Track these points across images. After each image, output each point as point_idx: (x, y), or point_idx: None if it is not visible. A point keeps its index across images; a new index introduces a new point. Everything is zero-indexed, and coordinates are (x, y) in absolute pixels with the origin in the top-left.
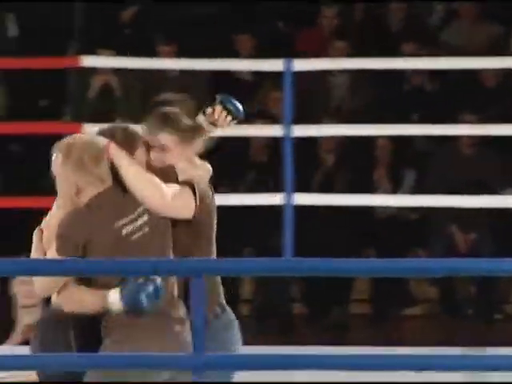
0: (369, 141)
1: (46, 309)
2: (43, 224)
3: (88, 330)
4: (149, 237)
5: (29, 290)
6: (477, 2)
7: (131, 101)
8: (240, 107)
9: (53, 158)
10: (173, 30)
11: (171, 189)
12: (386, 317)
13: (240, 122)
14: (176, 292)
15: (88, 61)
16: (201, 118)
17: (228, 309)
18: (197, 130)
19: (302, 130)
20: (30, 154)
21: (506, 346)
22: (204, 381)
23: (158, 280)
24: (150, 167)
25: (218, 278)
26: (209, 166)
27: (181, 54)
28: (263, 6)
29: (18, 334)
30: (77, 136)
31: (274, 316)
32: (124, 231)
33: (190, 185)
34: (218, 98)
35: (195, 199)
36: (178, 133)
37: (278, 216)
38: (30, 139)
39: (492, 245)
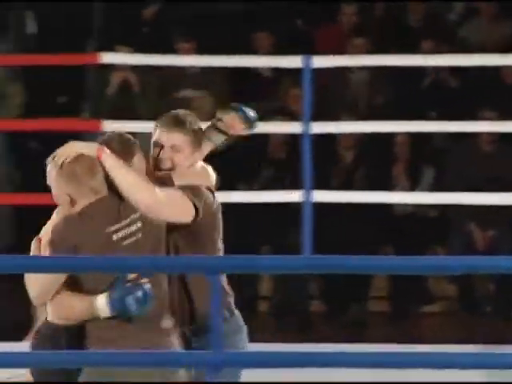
0: (387, 137)
1: (43, 321)
2: (42, 233)
3: (78, 344)
4: (141, 243)
5: None
6: (496, 0)
7: (150, 98)
8: (255, 117)
9: (47, 169)
10: (192, 27)
11: (165, 192)
12: (405, 314)
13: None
14: (167, 300)
15: (107, 57)
16: (217, 124)
17: (237, 313)
18: (207, 133)
19: (320, 127)
20: (48, 150)
21: None
22: (206, 381)
23: (147, 285)
24: (148, 174)
25: (226, 283)
26: (211, 171)
27: (200, 50)
28: (282, 4)
29: None
30: (70, 146)
31: (293, 313)
32: (115, 236)
33: (189, 190)
34: (235, 105)
35: (194, 205)
36: (191, 134)
37: (297, 213)
38: (48, 136)
39: (511, 242)
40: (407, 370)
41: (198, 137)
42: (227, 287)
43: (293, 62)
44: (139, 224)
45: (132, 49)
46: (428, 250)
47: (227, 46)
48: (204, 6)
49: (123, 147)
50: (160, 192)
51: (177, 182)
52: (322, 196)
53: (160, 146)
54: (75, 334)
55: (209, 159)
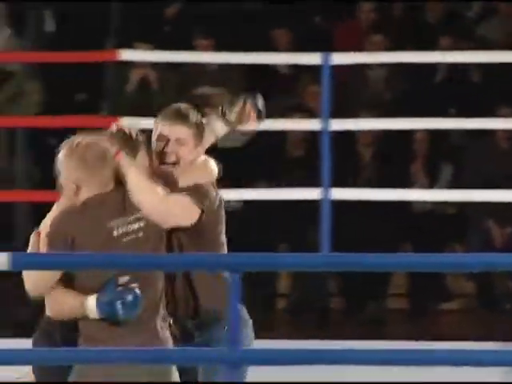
0: (406, 135)
1: (44, 316)
2: (41, 226)
3: (73, 340)
4: (141, 242)
5: None
6: None
7: (168, 95)
8: (263, 108)
9: (59, 154)
10: (211, 25)
11: (173, 199)
12: (423, 311)
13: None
14: (160, 301)
15: (126, 55)
16: (225, 114)
17: (242, 308)
18: (212, 124)
19: (339, 124)
20: None
21: None
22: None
23: (137, 289)
24: (151, 171)
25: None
26: (213, 164)
27: (219, 48)
28: (301, 1)
29: None
30: (83, 136)
31: (311, 311)
32: (115, 232)
33: (194, 193)
34: (246, 96)
35: (198, 206)
36: (194, 127)
37: (315, 211)
38: (67, 133)
39: None
40: (424, 367)
41: (200, 130)
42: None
43: (311, 59)
44: (142, 223)
45: (151, 46)
46: (446, 248)
47: (246, 43)
48: (223, 4)
49: (128, 143)
50: (167, 199)
51: (181, 181)
52: (341, 193)
53: (164, 139)
54: (71, 329)
55: (224, 155)
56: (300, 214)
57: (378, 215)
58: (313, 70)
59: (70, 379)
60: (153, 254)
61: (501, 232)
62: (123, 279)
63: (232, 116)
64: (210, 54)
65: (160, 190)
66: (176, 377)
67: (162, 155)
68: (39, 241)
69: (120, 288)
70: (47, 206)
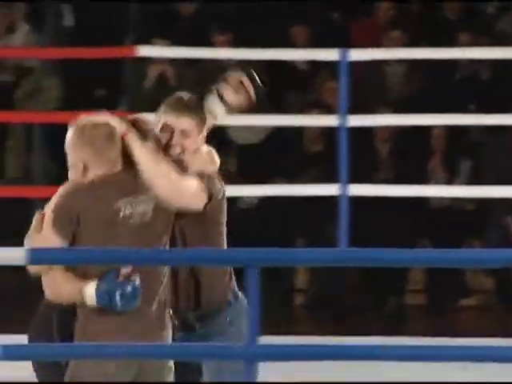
0: (424, 130)
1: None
2: (45, 208)
3: (68, 325)
4: (147, 225)
5: None
6: None
7: (186, 91)
8: (261, 82)
9: (67, 136)
10: (229, 21)
11: (183, 180)
12: (442, 308)
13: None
14: (164, 295)
15: (144, 51)
16: (219, 91)
17: (241, 296)
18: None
19: (357, 120)
20: None
21: None
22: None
23: (137, 281)
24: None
25: (229, 268)
26: (215, 155)
27: (236, 43)
28: None
29: None
30: (93, 116)
31: (328, 306)
32: (122, 213)
33: (202, 178)
34: (239, 72)
35: (207, 191)
36: (197, 116)
37: (333, 206)
38: None
39: None
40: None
41: (203, 118)
42: (231, 270)
43: (329, 55)
44: (150, 206)
45: (169, 42)
46: (464, 244)
47: (264, 39)
48: (241, 0)
49: (138, 131)
50: (179, 179)
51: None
52: (359, 189)
53: (168, 131)
54: (68, 314)
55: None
56: (318, 210)
57: (396, 211)
58: (331, 66)
59: (66, 375)
60: (158, 240)
61: None
62: (126, 269)
63: (229, 96)
64: (228, 49)
65: (172, 169)
66: (171, 375)
67: (166, 147)
68: (43, 221)
69: (120, 278)
70: None
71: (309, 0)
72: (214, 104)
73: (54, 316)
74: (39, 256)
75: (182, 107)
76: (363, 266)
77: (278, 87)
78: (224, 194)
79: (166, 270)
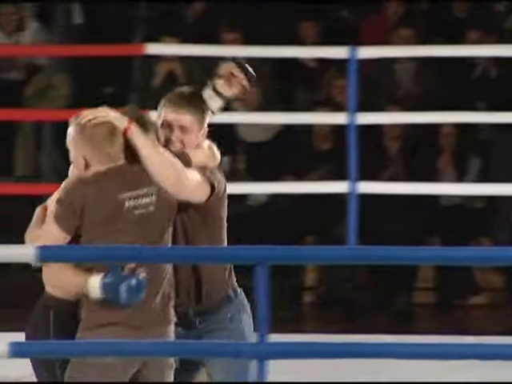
0: (433, 128)
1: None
2: (48, 201)
3: (68, 321)
4: (151, 217)
5: None
6: None
7: (195, 88)
8: (251, 69)
9: (68, 131)
10: (238, 18)
11: (188, 172)
12: (451, 305)
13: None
14: (168, 288)
15: (153, 48)
16: (214, 85)
17: (240, 292)
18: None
19: (366, 118)
20: None
21: None
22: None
23: (142, 275)
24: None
25: (229, 264)
26: (216, 150)
27: (246, 41)
28: None
29: None
30: (99, 111)
31: (338, 304)
32: (127, 204)
33: (205, 171)
34: (230, 63)
35: (210, 184)
36: (198, 112)
37: (342, 204)
38: None
39: None
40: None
41: (204, 114)
42: (231, 266)
43: (338, 52)
44: (153, 198)
45: (178, 39)
46: (474, 242)
47: (273, 36)
48: None
49: (140, 125)
50: (183, 172)
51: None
52: (368, 187)
53: (168, 126)
54: (65, 312)
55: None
56: (327, 208)
57: (406, 209)
58: (340, 64)
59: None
60: (161, 232)
61: None
62: (131, 263)
63: (222, 88)
64: (237, 47)
65: (177, 161)
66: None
67: (166, 142)
68: (45, 214)
69: (126, 271)
70: None
71: None
72: (209, 98)
73: (51, 314)
74: (49, 254)
75: (182, 103)
76: (372, 263)
77: (287, 85)
78: (225, 189)
79: (169, 264)
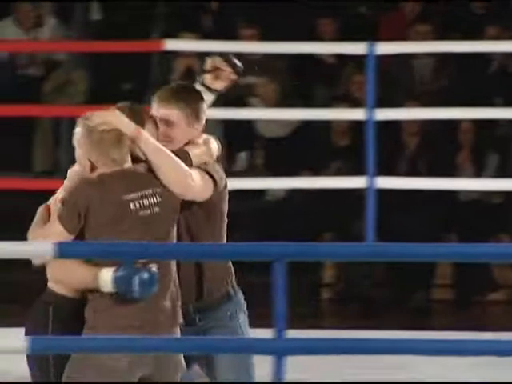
0: (451, 124)
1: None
2: (51, 200)
3: (68, 318)
4: (156, 218)
5: None
6: None
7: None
8: (239, 62)
9: (75, 130)
10: (256, 14)
11: (192, 172)
12: (469, 302)
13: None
14: (174, 287)
15: (171, 44)
16: (202, 81)
17: (239, 290)
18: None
19: (384, 114)
20: None
21: None
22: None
23: (154, 268)
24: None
25: (229, 261)
26: (214, 142)
27: (263, 37)
28: None
29: None
30: (108, 115)
31: (356, 300)
32: (132, 205)
33: (206, 168)
34: (216, 57)
35: (212, 181)
36: (186, 108)
37: (360, 200)
38: None
39: None
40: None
41: (195, 110)
42: (230, 265)
43: (357, 48)
44: (158, 198)
45: (196, 36)
46: (492, 238)
47: (291, 32)
48: None
49: (134, 118)
50: (188, 172)
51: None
52: (386, 183)
53: (159, 122)
54: (65, 309)
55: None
56: (345, 203)
57: (424, 205)
58: (358, 60)
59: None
60: (167, 232)
61: None
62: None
63: (210, 82)
64: (255, 43)
65: (181, 162)
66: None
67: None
68: (48, 214)
69: (138, 265)
70: None
71: None
72: None
73: (50, 310)
74: (67, 250)
75: (169, 97)
76: (390, 260)
77: (306, 81)
78: (226, 183)
79: (174, 265)
